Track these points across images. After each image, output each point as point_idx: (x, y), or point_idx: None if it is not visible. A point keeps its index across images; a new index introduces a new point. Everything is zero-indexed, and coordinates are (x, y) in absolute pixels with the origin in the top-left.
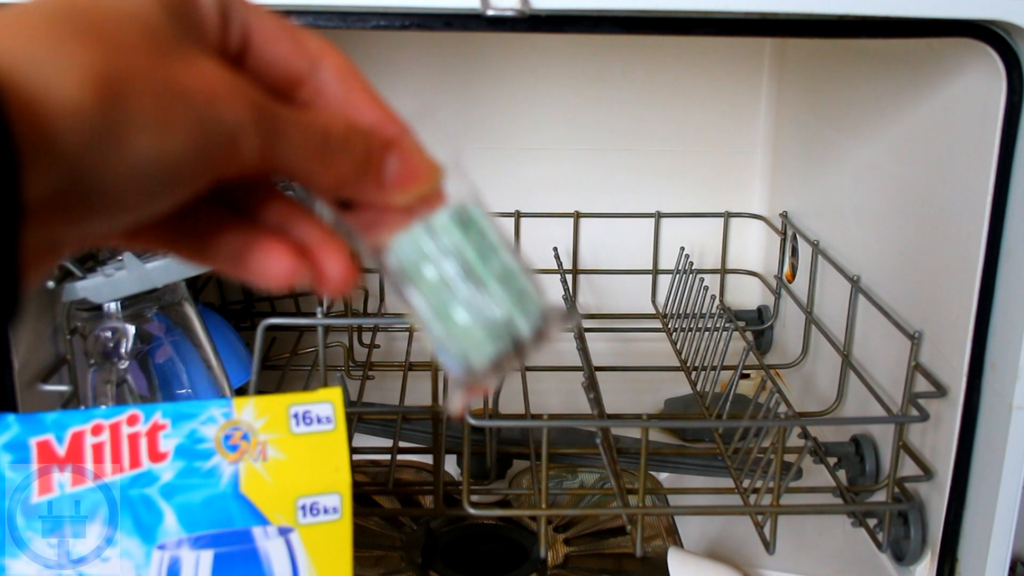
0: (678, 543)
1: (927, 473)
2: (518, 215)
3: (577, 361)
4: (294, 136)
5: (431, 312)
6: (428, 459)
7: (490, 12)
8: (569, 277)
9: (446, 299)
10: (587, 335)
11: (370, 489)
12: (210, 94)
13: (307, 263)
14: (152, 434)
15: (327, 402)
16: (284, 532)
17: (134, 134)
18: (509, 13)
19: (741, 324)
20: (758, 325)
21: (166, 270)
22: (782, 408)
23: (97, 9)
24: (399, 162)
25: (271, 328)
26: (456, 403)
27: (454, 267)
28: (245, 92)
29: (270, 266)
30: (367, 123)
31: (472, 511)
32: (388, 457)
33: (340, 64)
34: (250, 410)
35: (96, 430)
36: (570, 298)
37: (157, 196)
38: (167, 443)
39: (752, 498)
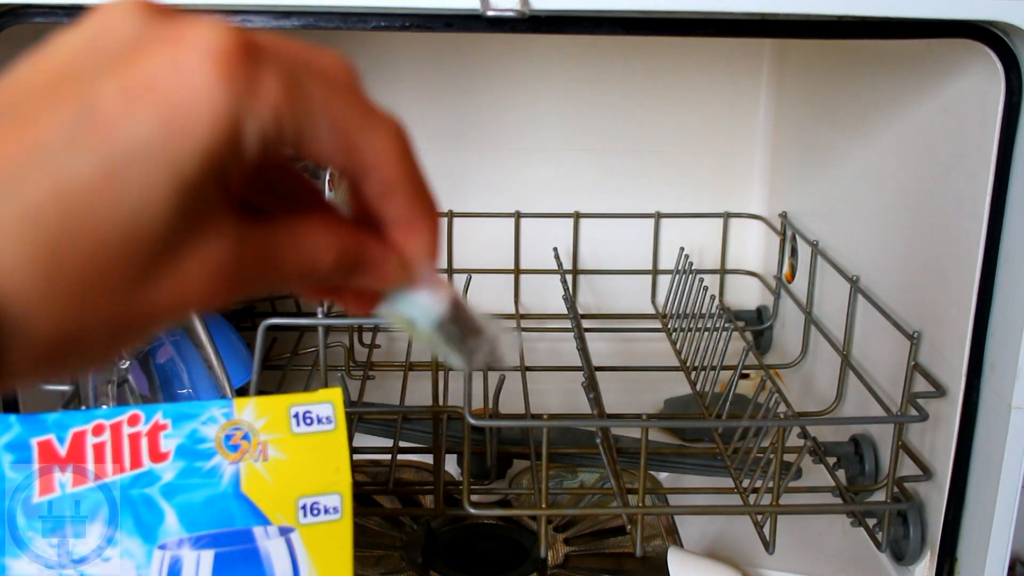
0: (678, 543)
1: (926, 473)
2: (518, 215)
3: (577, 361)
4: (283, 268)
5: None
6: (428, 459)
7: (490, 13)
8: (569, 277)
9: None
10: (587, 335)
11: (370, 489)
12: (178, 307)
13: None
14: (153, 434)
15: (327, 402)
16: (285, 532)
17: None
18: (509, 14)
19: (741, 324)
20: (758, 325)
21: None
22: (781, 408)
23: (86, 229)
24: (372, 278)
25: (272, 328)
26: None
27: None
28: (224, 281)
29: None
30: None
31: (472, 511)
32: (388, 457)
33: (385, 179)
34: (251, 410)
35: (97, 430)
36: (570, 298)
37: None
38: (168, 443)
39: (752, 498)
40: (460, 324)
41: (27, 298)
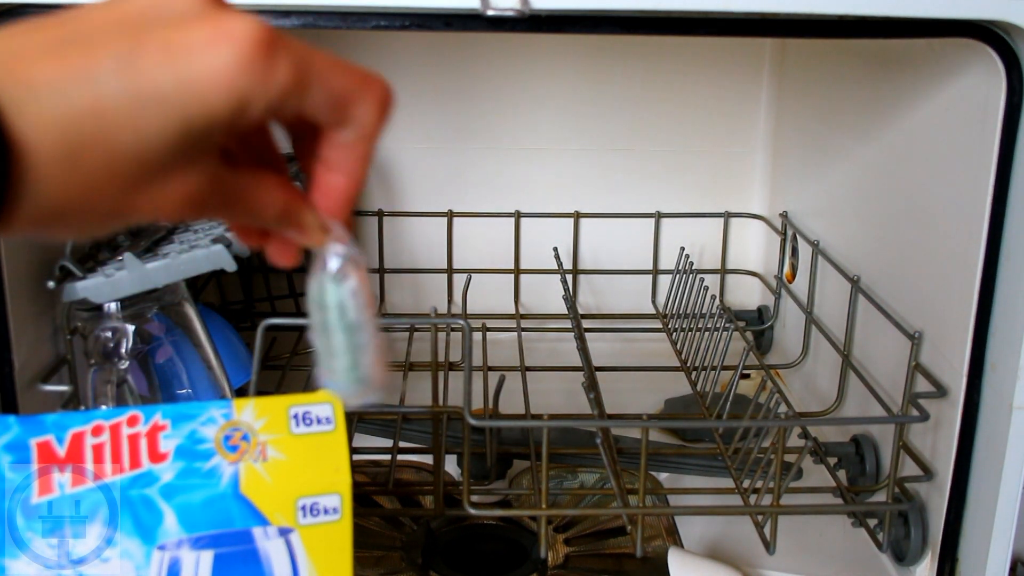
0: (678, 543)
1: (927, 473)
2: (518, 215)
3: (577, 361)
4: (239, 207)
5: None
6: (428, 459)
7: (490, 12)
8: (569, 277)
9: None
10: (587, 335)
11: (370, 489)
12: (153, 213)
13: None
14: (152, 435)
15: (327, 403)
16: (284, 532)
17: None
18: (509, 13)
19: (741, 324)
20: (758, 325)
21: (166, 270)
22: (782, 408)
23: (107, 140)
24: (300, 232)
25: (271, 328)
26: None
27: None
28: (193, 204)
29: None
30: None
31: (472, 511)
32: (388, 457)
33: (363, 132)
34: (250, 411)
35: (96, 431)
36: (570, 298)
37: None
38: (167, 444)
39: (752, 498)
40: (357, 310)
41: (48, 174)
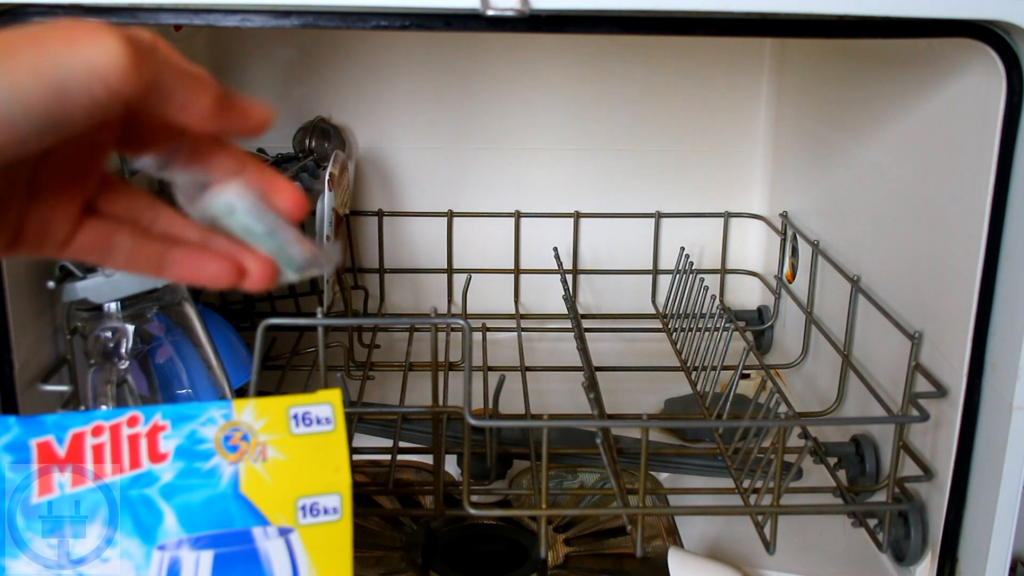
0: (678, 543)
1: (927, 473)
2: (518, 215)
3: (577, 361)
4: (174, 66)
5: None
6: (428, 459)
7: (490, 12)
8: (569, 277)
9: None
10: (587, 335)
11: (370, 489)
12: (70, 37)
13: (233, 265)
14: (152, 435)
15: (326, 403)
16: (284, 532)
17: None
18: (509, 13)
19: (741, 324)
20: (758, 325)
21: None
22: (782, 408)
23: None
24: (246, 102)
25: (271, 328)
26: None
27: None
28: (125, 34)
29: (209, 269)
30: None
31: (472, 511)
32: (388, 457)
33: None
34: (250, 411)
35: (96, 431)
36: (570, 298)
37: (33, 133)
38: (167, 444)
39: (752, 498)
40: (245, 210)
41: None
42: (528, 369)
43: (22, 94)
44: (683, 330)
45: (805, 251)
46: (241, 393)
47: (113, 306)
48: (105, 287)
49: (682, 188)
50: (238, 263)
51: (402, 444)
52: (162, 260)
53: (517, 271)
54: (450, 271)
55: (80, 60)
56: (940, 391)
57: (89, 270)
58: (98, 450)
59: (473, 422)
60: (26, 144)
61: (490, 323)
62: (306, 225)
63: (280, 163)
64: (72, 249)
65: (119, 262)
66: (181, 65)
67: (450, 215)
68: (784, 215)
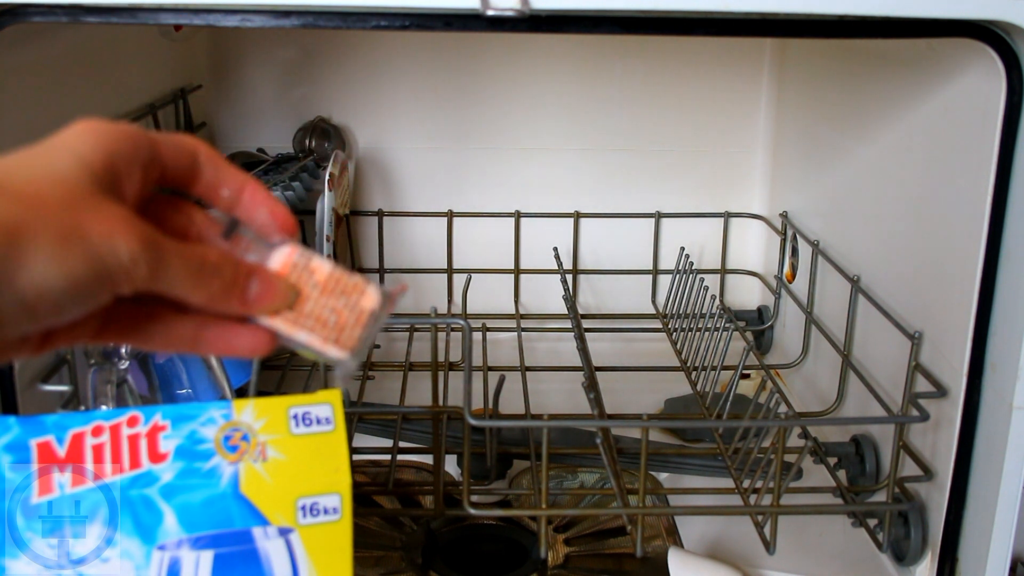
0: (678, 543)
1: (927, 473)
2: (518, 215)
3: (577, 361)
4: (176, 262)
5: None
6: (428, 459)
7: (490, 12)
8: (569, 277)
9: None
10: (587, 335)
11: (370, 489)
12: (109, 232)
13: (266, 336)
14: (152, 435)
15: (326, 403)
16: (284, 532)
17: (32, 265)
18: (509, 13)
19: (741, 324)
20: (758, 325)
21: None
22: (782, 408)
23: (21, 172)
24: (260, 284)
25: None
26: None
27: None
28: (140, 228)
29: (243, 343)
30: (262, 215)
31: (472, 511)
32: (388, 457)
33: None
34: (249, 411)
35: (96, 431)
36: (570, 298)
37: (67, 307)
38: (167, 444)
39: (752, 498)
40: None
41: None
42: (528, 369)
43: (74, 281)
44: (683, 330)
45: (805, 251)
46: (241, 393)
47: None
48: None
49: (682, 188)
50: (270, 334)
51: (402, 444)
52: (197, 339)
53: (517, 271)
54: (450, 271)
55: (115, 258)
56: (940, 391)
57: None
58: (98, 450)
59: (473, 422)
60: (64, 314)
61: (490, 323)
62: (306, 224)
63: (280, 163)
64: (105, 338)
65: (155, 345)
66: (191, 256)
67: (450, 215)
68: (784, 215)
